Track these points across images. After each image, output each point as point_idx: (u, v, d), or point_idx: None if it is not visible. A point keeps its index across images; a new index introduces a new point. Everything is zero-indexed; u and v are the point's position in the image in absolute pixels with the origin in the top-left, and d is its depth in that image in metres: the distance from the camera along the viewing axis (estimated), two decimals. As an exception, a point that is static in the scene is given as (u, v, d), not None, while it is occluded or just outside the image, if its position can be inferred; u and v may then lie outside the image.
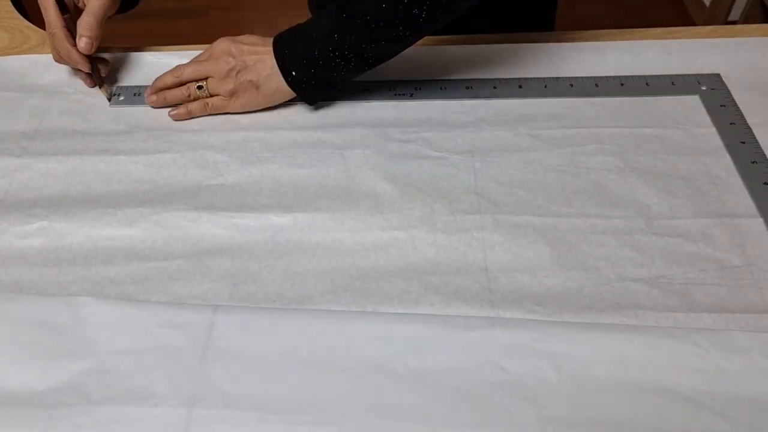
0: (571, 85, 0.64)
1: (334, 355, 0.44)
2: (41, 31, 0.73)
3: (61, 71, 0.69)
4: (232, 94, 0.61)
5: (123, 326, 0.46)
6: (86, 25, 0.61)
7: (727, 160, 0.57)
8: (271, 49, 0.60)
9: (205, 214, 0.54)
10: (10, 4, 0.75)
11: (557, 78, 0.65)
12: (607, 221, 0.53)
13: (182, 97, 0.63)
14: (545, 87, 0.65)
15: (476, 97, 0.64)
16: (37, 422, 0.41)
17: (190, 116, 0.63)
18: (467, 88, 0.65)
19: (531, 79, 0.65)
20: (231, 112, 0.63)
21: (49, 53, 0.68)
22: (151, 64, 0.69)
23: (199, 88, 0.62)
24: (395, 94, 0.65)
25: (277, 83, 0.60)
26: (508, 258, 0.50)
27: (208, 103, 0.63)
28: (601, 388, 0.42)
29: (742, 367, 0.43)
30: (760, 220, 0.52)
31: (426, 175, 0.57)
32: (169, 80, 0.63)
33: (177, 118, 0.63)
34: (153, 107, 0.65)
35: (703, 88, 0.63)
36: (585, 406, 0.42)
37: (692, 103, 0.63)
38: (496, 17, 0.73)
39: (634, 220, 0.53)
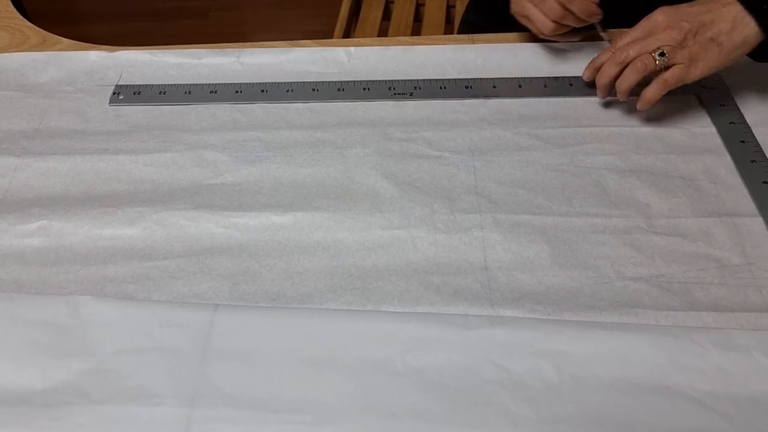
0: (571, 85, 0.65)
1: (334, 354, 0.44)
2: (41, 31, 0.73)
3: (61, 70, 0.68)
4: (692, 60, 0.57)
5: (123, 325, 0.46)
6: None
7: (726, 159, 0.57)
8: (719, 3, 0.56)
9: (205, 214, 0.54)
10: (10, 3, 0.75)
11: (557, 77, 0.65)
12: (607, 220, 0.53)
13: (639, 72, 0.59)
14: (545, 86, 0.65)
15: (476, 96, 0.64)
16: (37, 421, 0.41)
17: (650, 105, 0.59)
18: (467, 87, 0.65)
19: (531, 78, 0.65)
20: (690, 80, 0.58)
21: (48, 51, 0.68)
22: (151, 64, 0.69)
23: (662, 54, 0.57)
24: (395, 94, 0.65)
25: (743, 34, 0.56)
26: (508, 257, 0.50)
27: (666, 80, 0.58)
28: (601, 387, 0.42)
29: (742, 366, 0.43)
30: (760, 219, 0.52)
31: (426, 175, 0.57)
32: (610, 64, 0.60)
33: (642, 108, 0.60)
34: (587, 80, 0.63)
35: (703, 87, 0.63)
36: (585, 404, 0.42)
37: (692, 102, 0.63)
38: None
39: (634, 219, 0.53)
